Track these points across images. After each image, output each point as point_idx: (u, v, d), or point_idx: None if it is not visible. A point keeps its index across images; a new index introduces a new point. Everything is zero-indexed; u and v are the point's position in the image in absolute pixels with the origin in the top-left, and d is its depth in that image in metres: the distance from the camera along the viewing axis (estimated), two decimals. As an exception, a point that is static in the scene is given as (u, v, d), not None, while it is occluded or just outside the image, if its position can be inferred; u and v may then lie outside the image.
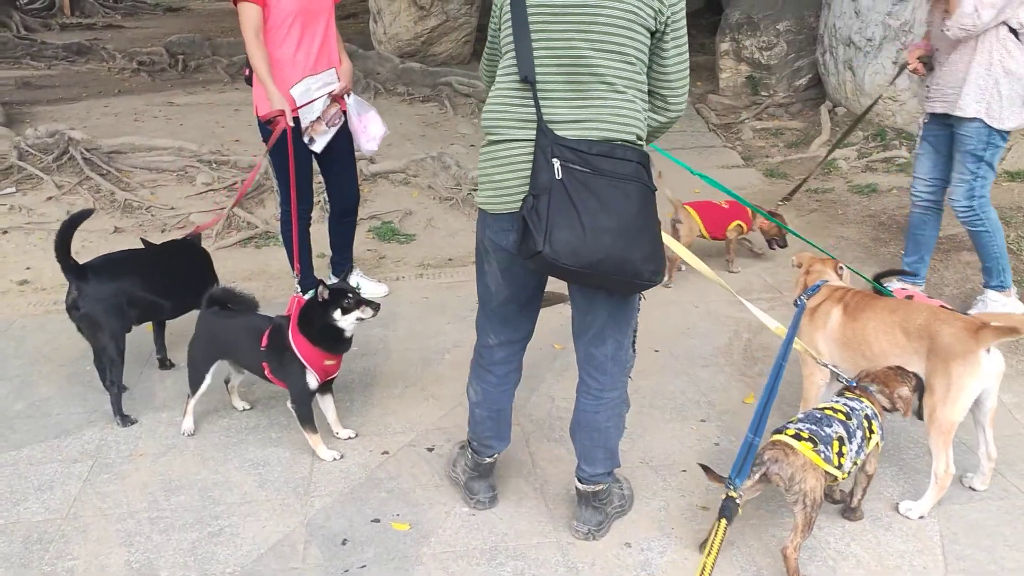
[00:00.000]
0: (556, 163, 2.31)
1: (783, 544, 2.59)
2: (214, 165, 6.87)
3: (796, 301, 3.18)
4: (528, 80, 2.36)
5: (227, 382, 3.62)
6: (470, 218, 5.87)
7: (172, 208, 6.19)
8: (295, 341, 3.13)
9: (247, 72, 4.09)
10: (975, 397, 2.81)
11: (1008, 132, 3.99)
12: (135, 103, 9.01)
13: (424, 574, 2.71)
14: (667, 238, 2.61)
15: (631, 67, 2.37)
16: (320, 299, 3.11)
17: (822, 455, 2.55)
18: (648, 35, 2.37)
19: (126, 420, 3.52)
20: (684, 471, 3.21)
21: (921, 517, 2.87)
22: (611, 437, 2.77)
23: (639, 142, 2.41)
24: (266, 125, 3.93)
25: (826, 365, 2.97)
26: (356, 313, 3.16)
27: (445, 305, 4.68)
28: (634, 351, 2.82)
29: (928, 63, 4.15)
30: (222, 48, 11.34)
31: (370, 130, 4.22)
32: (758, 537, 2.83)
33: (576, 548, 2.82)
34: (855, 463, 2.67)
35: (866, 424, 2.71)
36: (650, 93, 2.47)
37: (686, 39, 2.45)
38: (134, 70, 10.78)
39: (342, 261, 4.66)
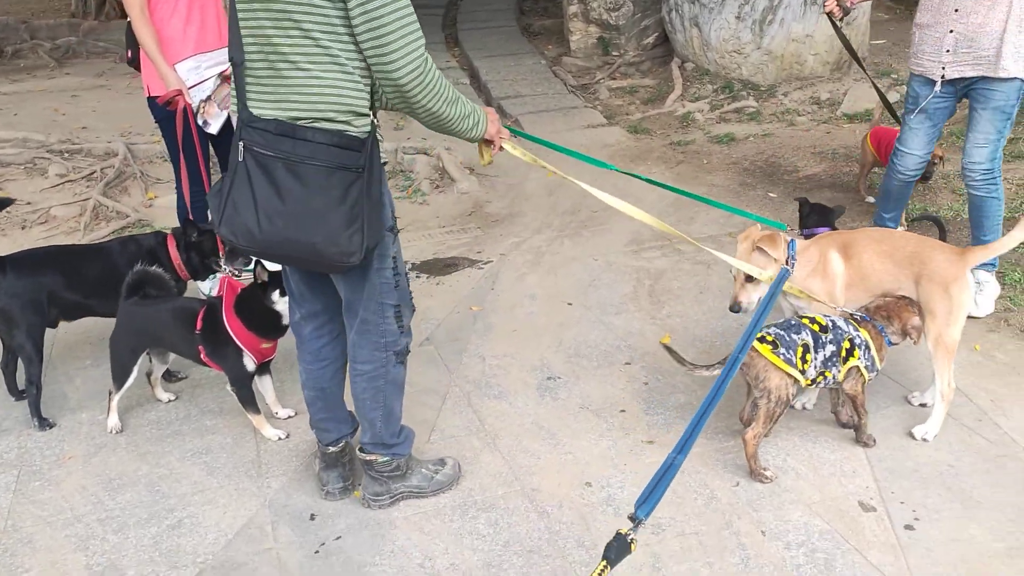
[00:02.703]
0: (240, 145, 2.35)
1: (744, 432, 2.86)
2: (66, 155, 6.43)
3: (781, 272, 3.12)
4: (235, 62, 2.37)
5: (149, 375, 3.48)
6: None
7: (28, 203, 5.76)
8: (230, 325, 3.05)
9: (129, 54, 3.87)
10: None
11: None
12: (-47, 95, 8.25)
13: (403, 537, 2.75)
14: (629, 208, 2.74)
15: (314, 42, 2.24)
16: (258, 280, 3.05)
17: (782, 357, 2.80)
18: (331, 5, 2.20)
19: (44, 423, 3.32)
20: (623, 411, 3.39)
21: (925, 439, 3.10)
22: (369, 410, 2.77)
23: (338, 122, 2.31)
24: (165, 107, 3.75)
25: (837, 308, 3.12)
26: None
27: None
28: (400, 328, 2.69)
29: (844, 7, 4.01)
30: (41, 31, 10.54)
31: None
32: (710, 464, 3.05)
33: (541, 494, 2.94)
34: (824, 374, 2.91)
35: (846, 345, 2.92)
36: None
37: (386, 4, 2.20)
38: (-59, 60, 9.84)
39: None
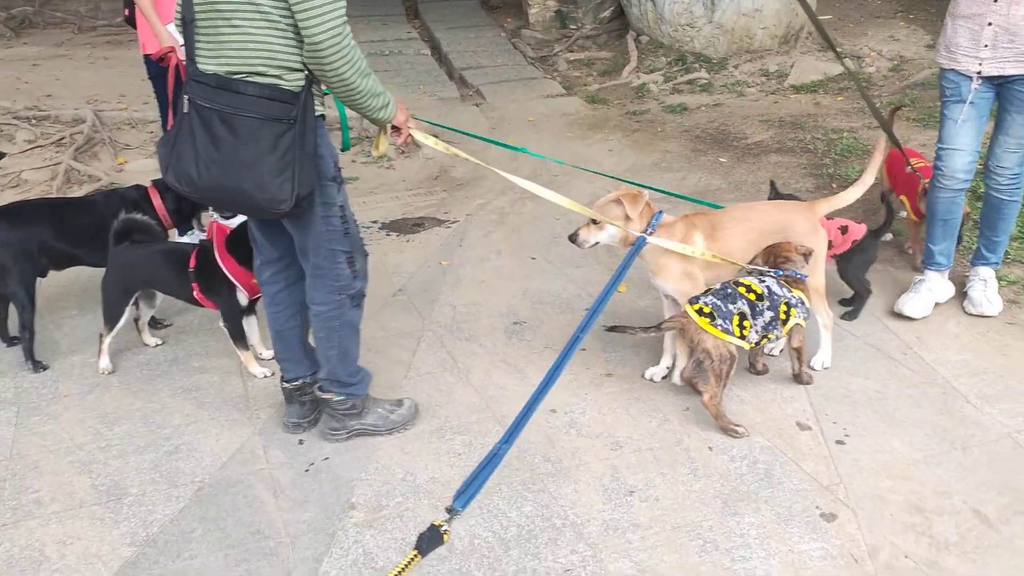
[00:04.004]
0: (185, 98, 2.53)
1: (702, 395, 3.09)
2: (33, 121, 6.51)
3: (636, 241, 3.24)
4: (186, 20, 2.53)
5: (136, 320, 3.67)
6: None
7: (-1, 167, 5.85)
8: (223, 262, 3.26)
9: (127, 12, 4.05)
10: None
11: None
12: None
13: (385, 456, 3.01)
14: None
15: (248, 0, 2.42)
16: None
17: (720, 327, 3.00)
18: None
19: (38, 366, 3.50)
20: (583, 349, 3.66)
21: (825, 367, 3.44)
22: (325, 348, 2.93)
23: (271, 76, 2.48)
24: (158, 63, 3.93)
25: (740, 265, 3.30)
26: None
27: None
28: (353, 272, 2.85)
29: None
30: (-4, 0, 10.45)
31: None
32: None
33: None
34: (767, 336, 3.14)
35: (783, 309, 3.14)
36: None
37: (319, 4, 2.40)
38: None
39: None
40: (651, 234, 3.21)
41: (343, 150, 3.89)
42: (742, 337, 3.05)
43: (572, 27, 9.23)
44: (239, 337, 3.41)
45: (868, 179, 3.46)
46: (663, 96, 7.53)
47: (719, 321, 3.01)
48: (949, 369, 3.46)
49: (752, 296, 3.08)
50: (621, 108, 7.29)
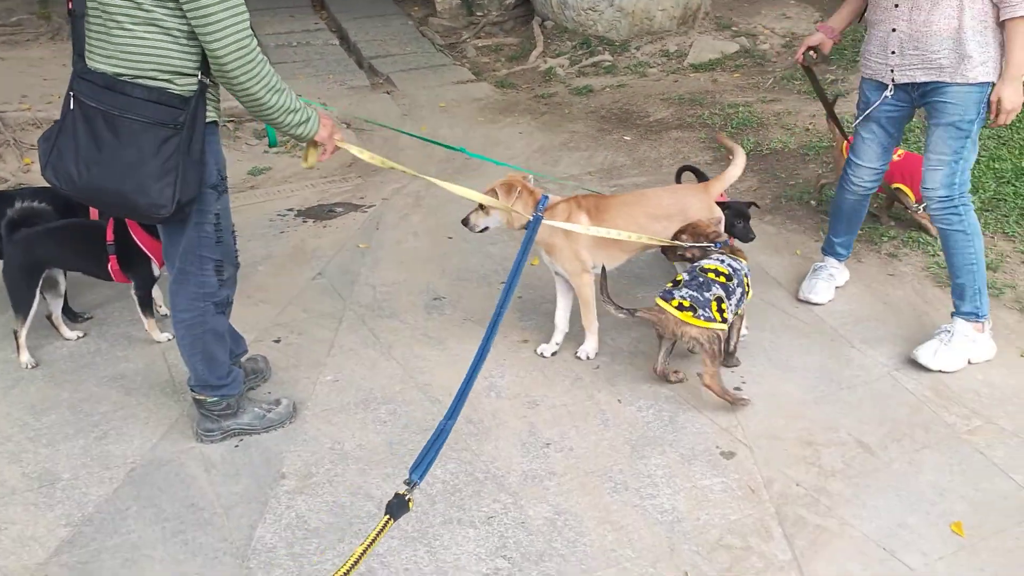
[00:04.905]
0: (70, 94, 2.52)
1: (702, 379, 3.13)
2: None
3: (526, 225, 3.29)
4: (76, 14, 2.50)
5: (49, 317, 3.69)
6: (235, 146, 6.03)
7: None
8: (137, 235, 3.38)
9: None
10: None
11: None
12: None
13: (313, 429, 3.14)
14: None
15: (136, 5, 2.40)
16: None
17: (703, 317, 3.04)
18: None
19: (-43, 365, 3.50)
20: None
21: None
22: (190, 355, 2.94)
23: (160, 80, 2.47)
24: None
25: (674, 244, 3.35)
26: None
27: (245, 223, 4.91)
28: (220, 281, 2.87)
29: (820, 53, 3.74)
30: None
31: None
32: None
33: (432, 387, 3.38)
34: (736, 313, 3.29)
35: (746, 280, 3.30)
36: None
37: (216, 12, 2.40)
38: None
39: None
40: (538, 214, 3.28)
41: (270, 146, 3.97)
42: (723, 320, 3.11)
43: (479, 14, 9.37)
44: (148, 306, 3.56)
45: (740, 156, 3.60)
46: (569, 79, 7.74)
47: (700, 312, 3.06)
48: (836, 319, 3.76)
49: (723, 279, 3.16)
50: (529, 92, 7.47)
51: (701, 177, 4.29)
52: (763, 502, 2.74)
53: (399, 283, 4.21)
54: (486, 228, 3.56)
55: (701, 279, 3.16)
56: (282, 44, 8.61)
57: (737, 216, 3.68)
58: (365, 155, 3.06)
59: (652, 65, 7.84)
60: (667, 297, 3.14)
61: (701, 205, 3.50)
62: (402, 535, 2.64)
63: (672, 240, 3.36)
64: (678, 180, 4.47)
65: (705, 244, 3.31)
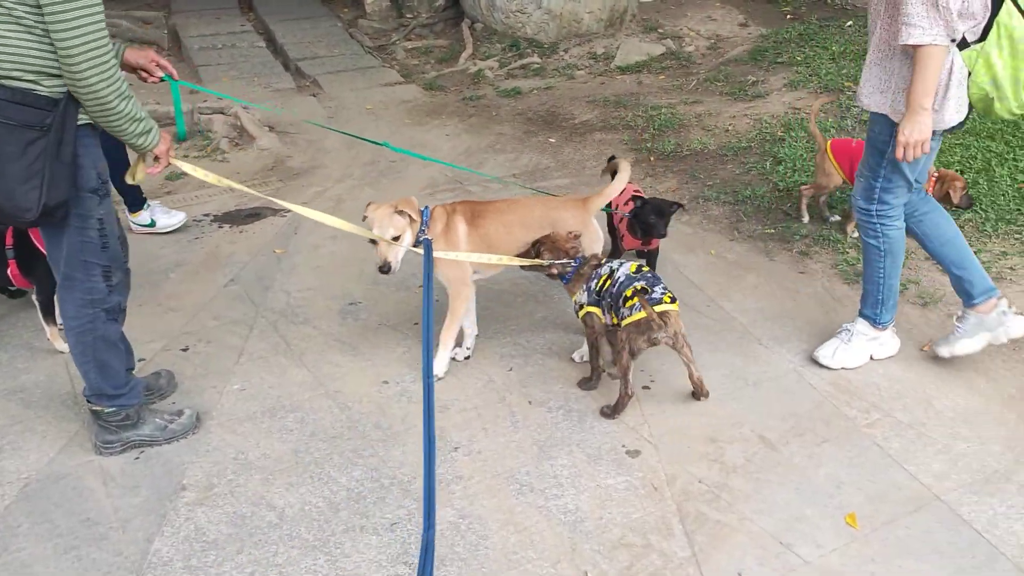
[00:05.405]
0: None
1: (693, 376, 3.17)
2: None
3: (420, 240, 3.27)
4: None
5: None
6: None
7: None
8: (38, 240, 3.30)
9: None
10: None
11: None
12: None
13: (217, 439, 3.08)
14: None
15: None
16: None
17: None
18: None
19: None
20: (416, 323, 3.83)
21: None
22: (81, 363, 2.89)
23: (25, 80, 2.41)
24: None
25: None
26: None
27: (145, 235, 4.82)
28: (109, 287, 2.82)
29: None
30: None
31: None
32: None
33: (343, 394, 3.34)
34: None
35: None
36: None
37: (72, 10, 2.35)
38: None
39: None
40: (426, 231, 3.28)
41: (179, 140, 3.86)
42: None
43: (408, 16, 9.33)
44: (50, 312, 3.47)
45: (624, 173, 3.55)
46: (498, 81, 7.75)
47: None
48: (746, 316, 3.82)
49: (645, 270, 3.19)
50: (458, 94, 7.46)
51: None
52: (665, 499, 2.77)
53: (314, 288, 4.17)
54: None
55: (648, 273, 3.17)
56: (207, 46, 8.47)
57: (654, 212, 3.71)
58: (199, 173, 2.95)
59: (580, 67, 7.89)
60: (658, 299, 3.05)
61: (574, 219, 3.44)
62: (302, 544, 2.61)
63: (530, 253, 3.33)
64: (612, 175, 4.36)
65: (566, 261, 3.27)
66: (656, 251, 3.95)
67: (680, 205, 3.86)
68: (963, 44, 2.85)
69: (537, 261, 3.31)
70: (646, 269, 3.20)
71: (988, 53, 2.83)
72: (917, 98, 2.85)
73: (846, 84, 6.48)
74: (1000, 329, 3.33)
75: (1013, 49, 2.82)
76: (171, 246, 4.64)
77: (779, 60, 7.32)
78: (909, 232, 3.38)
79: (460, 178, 5.58)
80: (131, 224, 4.73)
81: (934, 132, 2.95)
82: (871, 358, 3.47)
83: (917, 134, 2.89)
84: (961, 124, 3.03)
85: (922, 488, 2.80)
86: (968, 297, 3.35)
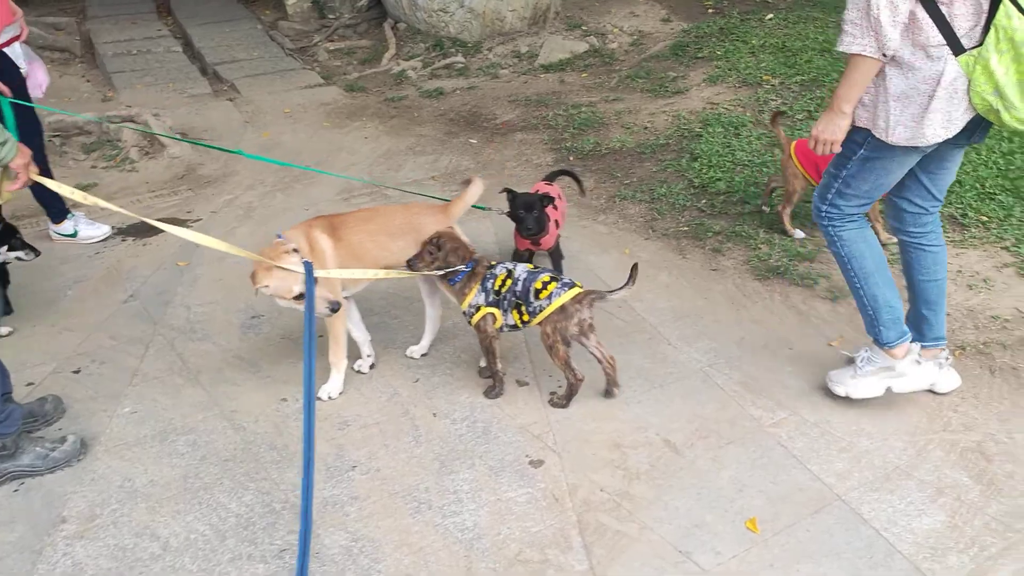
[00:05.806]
0: None
1: (605, 356, 3.19)
2: None
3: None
4: None
5: None
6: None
7: None
8: None
9: None
10: None
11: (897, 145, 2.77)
12: None
13: (103, 467, 2.94)
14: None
15: None
16: None
17: None
18: None
19: None
20: (320, 336, 3.70)
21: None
22: None
23: None
24: None
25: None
26: (18, 253, 3.59)
27: (59, 245, 4.62)
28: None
29: None
30: None
31: (38, 78, 4.31)
32: (389, 367, 3.45)
33: (239, 413, 3.22)
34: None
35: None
36: None
37: None
38: None
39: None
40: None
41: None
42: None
43: (331, 17, 9.16)
44: None
45: (477, 184, 3.47)
46: (421, 81, 7.64)
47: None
48: (657, 316, 3.79)
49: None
50: (380, 95, 7.34)
51: (578, 181, 4.37)
52: (566, 511, 2.71)
53: (216, 302, 4.03)
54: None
55: (568, 276, 3.22)
56: (120, 52, 8.21)
57: (523, 206, 3.68)
58: (78, 195, 2.78)
59: (504, 66, 7.82)
60: (570, 284, 3.09)
61: (436, 224, 3.36)
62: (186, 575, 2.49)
63: (427, 249, 3.21)
64: (550, 181, 4.21)
65: (458, 268, 3.18)
66: (557, 251, 3.90)
67: (550, 198, 3.79)
68: (959, 49, 2.59)
69: (423, 273, 3.24)
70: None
71: (986, 58, 2.55)
72: (838, 100, 2.75)
73: (764, 78, 6.51)
74: (904, 379, 3.15)
75: (1016, 53, 2.53)
76: (71, 261, 4.46)
77: (700, 55, 7.34)
78: (903, 251, 3.19)
79: (377, 182, 5.47)
80: (51, 233, 4.66)
81: (917, 148, 2.75)
82: (889, 390, 3.15)
83: (828, 133, 2.80)
84: (981, 138, 2.84)
85: (824, 488, 2.78)
86: (918, 336, 3.20)
